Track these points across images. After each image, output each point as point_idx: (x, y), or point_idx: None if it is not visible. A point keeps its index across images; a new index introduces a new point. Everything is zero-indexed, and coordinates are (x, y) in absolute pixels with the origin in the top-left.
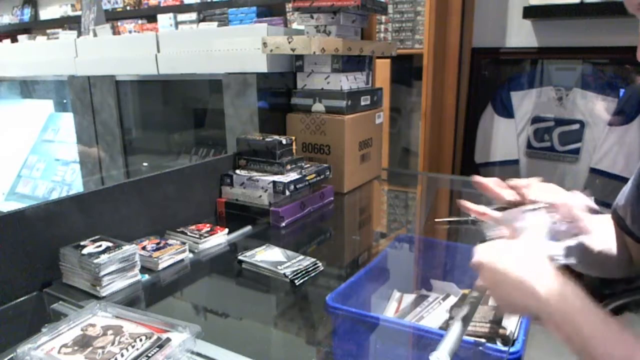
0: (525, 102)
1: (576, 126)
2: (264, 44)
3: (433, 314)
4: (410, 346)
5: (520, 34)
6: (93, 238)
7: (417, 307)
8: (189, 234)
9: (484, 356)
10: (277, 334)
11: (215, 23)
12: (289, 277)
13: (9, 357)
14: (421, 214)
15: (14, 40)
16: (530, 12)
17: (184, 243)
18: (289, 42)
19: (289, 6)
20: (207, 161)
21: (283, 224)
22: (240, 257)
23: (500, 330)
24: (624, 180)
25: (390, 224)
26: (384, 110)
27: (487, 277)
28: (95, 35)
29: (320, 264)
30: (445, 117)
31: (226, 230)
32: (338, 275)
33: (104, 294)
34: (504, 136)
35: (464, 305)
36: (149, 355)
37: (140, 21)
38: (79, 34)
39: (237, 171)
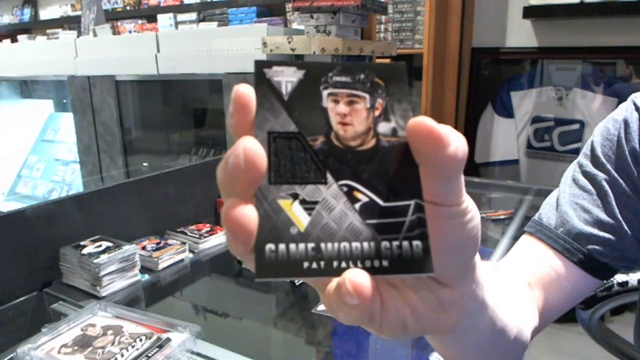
0: (525, 102)
1: (576, 126)
2: (264, 44)
3: None
4: (410, 346)
5: (520, 34)
6: (93, 238)
7: None
8: (189, 234)
9: None
10: (277, 334)
11: (215, 23)
12: None
13: (9, 357)
14: None
15: (14, 40)
16: (530, 12)
17: (184, 243)
18: (289, 42)
19: (289, 6)
20: (207, 161)
21: None
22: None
23: None
24: None
25: None
26: None
27: None
28: (95, 35)
29: None
30: (445, 117)
31: None
32: None
33: (104, 294)
34: (504, 136)
35: None
36: (149, 355)
37: (140, 21)
38: (79, 34)
39: None
